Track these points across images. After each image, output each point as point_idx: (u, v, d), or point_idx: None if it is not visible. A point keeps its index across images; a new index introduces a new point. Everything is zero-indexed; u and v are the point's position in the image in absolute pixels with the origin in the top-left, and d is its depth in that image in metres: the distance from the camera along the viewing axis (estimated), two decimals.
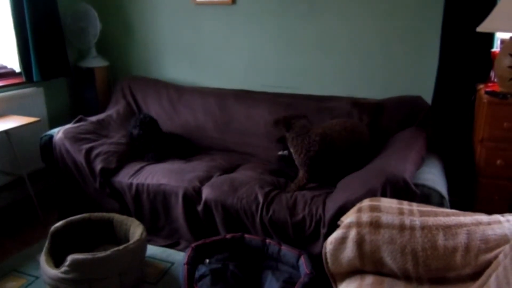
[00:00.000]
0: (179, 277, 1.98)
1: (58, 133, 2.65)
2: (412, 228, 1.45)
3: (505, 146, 2.12)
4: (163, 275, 2.20)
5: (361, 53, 2.79)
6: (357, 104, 2.53)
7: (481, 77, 2.44)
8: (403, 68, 2.71)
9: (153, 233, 2.49)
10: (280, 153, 2.53)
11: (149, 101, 3.16)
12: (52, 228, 2.14)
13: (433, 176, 2.06)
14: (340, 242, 1.55)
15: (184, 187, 2.34)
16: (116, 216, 2.28)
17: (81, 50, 3.38)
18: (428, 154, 2.33)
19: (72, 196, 2.68)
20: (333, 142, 2.23)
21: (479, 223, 1.41)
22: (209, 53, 3.23)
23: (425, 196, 1.92)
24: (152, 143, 2.74)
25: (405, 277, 1.45)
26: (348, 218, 1.58)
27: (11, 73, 3.03)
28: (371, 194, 1.88)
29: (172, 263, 2.29)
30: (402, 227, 1.46)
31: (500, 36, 2.44)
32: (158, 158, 2.70)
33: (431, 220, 1.45)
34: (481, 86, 2.36)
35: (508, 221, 1.41)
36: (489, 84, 2.36)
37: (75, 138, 2.62)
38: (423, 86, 2.63)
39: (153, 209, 2.46)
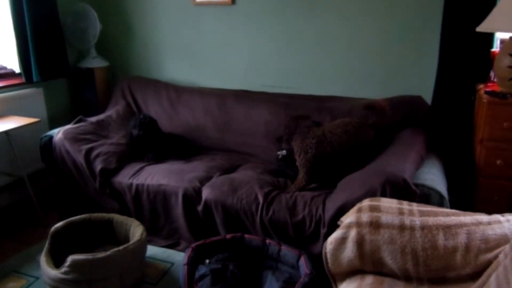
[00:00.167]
0: (179, 278, 1.98)
1: (58, 133, 2.65)
2: (412, 228, 1.45)
3: (505, 146, 2.12)
4: (163, 275, 2.20)
5: (361, 53, 2.79)
6: (370, 106, 2.47)
7: (481, 77, 2.44)
8: (403, 68, 2.71)
9: (153, 234, 2.49)
10: (279, 152, 2.53)
11: (149, 101, 3.16)
12: (52, 228, 2.14)
13: (433, 176, 2.06)
14: (340, 242, 1.55)
15: (184, 188, 2.34)
16: (116, 217, 2.28)
17: (81, 50, 3.38)
18: (428, 154, 2.33)
19: (72, 196, 2.68)
20: (331, 145, 2.22)
21: (479, 223, 1.41)
22: (209, 53, 3.23)
23: (425, 196, 1.92)
24: (152, 143, 2.74)
25: (405, 277, 1.45)
26: (348, 218, 1.58)
27: (11, 74, 3.03)
28: (370, 194, 1.88)
29: (172, 264, 2.29)
30: (402, 227, 1.46)
31: (499, 36, 2.44)
32: (158, 158, 2.70)
33: (431, 220, 1.45)
34: (481, 86, 2.36)
35: (508, 221, 1.41)
36: (489, 84, 2.36)
37: (75, 138, 2.62)
38: (423, 86, 2.64)
39: (153, 210, 2.46)
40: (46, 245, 2.07)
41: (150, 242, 2.42)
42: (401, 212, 1.51)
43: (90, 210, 2.51)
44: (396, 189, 1.87)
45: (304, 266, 1.90)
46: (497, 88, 2.23)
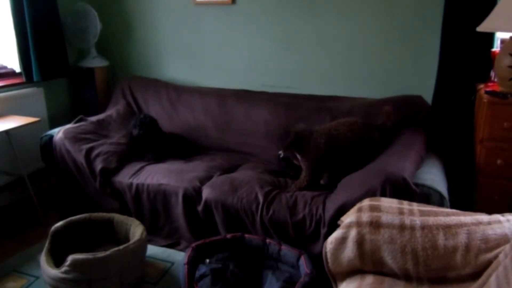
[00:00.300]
0: (180, 277, 1.98)
1: (58, 133, 2.65)
2: (412, 228, 1.45)
3: (505, 146, 2.12)
4: (163, 275, 2.20)
5: (361, 52, 2.79)
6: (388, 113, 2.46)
7: (481, 77, 2.44)
8: (403, 68, 2.71)
9: (153, 233, 2.49)
10: (280, 152, 2.53)
11: (149, 101, 3.16)
12: (53, 228, 2.14)
13: (433, 176, 2.06)
14: (340, 242, 1.55)
15: (184, 187, 2.34)
16: (116, 216, 2.28)
17: (81, 50, 3.38)
18: (428, 154, 2.33)
19: (72, 196, 2.68)
20: (338, 143, 2.22)
21: (479, 223, 1.41)
22: (209, 53, 3.23)
23: (425, 195, 1.92)
24: (152, 143, 2.74)
25: (405, 277, 1.45)
26: (348, 218, 1.58)
27: (11, 73, 3.03)
28: (370, 193, 1.88)
29: (172, 263, 2.29)
30: (402, 227, 1.46)
31: (500, 35, 2.44)
32: (158, 158, 2.70)
33: (431, 220, 1.45)
34: (481, 86, 2.36)
35: (508, 220, 1.41)
36: (489, 84, 2.36)
37: (75, 138, 2.62)
38: (423, 86, 2.63)
39: (153, 209, 2.46)
40: (46, 244, 2.07)
41: (150, 241, 2.42)
42: (401, 212, 1.51)
43: (90, 210, 2.51)
44: (396, 189, 1.87)
45: (304, 265, 1.90)
46: (498, 88, 2.23)
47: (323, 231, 2.02)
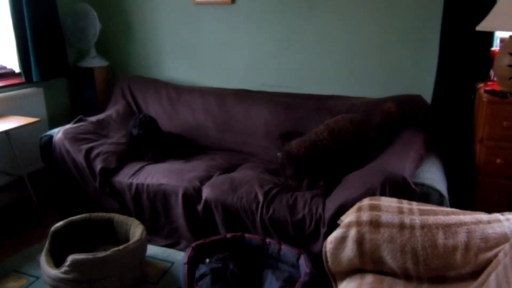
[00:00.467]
0: (180, 277, 1.98)
1: (58, 133, 2.65)
2: (412, 227, 1.45)
3: (505, 145, 2.12)
4: (163, 274, 2.21)
5: (361, 52, 2.79)
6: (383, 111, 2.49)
7: (480, 76, 2.44)
8: (403, 67, 2.71)
9: (153, 233, 2.49)
10: (279, 154, 2.53)
11: (149, 101, 3.16)
12: (52, 228, 2.14)
13: (433, 175, 2.06)
14: (340, 241, 1.55)
15: (184, 187, 2.34)
16: (116, 216, 2.28)
17: (81, 50, 3.38)
18: (428, 153, 2.33)
19: (72, 196, 2.68)
20: (340, 134, 2.24)
21: (479, 222, 1.41)
22: (208, 52, 3.23)
23: (424, 195, 1.93)
24: (152, 143, 2.74)
25: (405, 276, 1.45)
26: (348, 217, 1.58)
27: (10, 74, 3.03)
28: (370, 193, 1.88)
29: (172, 263, 2.29)
30: (402, 226, 1.46)
31: (499, 35, 2.44)
32: (158, 158, 2.70)
33: (431, 219, 1.45)
34: (481, 85, 2.36)
35: (508, 220, 1.41)
36: (489, 83, 2.36)
37: (75, 138, 2.62)
38: (423, 85, 2.64)
39: (153, 209, 2.46)
40: (46, 244, 2.07)
41: (150, 241, 2.42)
42: (401, 211, 1.51)
43: (90, 210, 2.51)
44: (395, 188, 1.87)
45: (304, 265, 1.90)
46: (497, 87, 2.23)
47: (323, 230, 2.02)
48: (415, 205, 1.55)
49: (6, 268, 2.27)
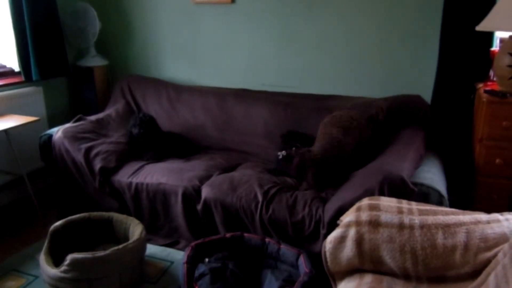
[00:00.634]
0: (179, 276, 1.98)
1: (57, 132, 2.65)
2: (411, 227, 1.45)
3: (504, 145, 2.12)
4: (162, 274, 2.21)
5: (361, 52, 2.79)
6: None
7: (480, 76, 2.44)
8: (402, 67, 2.71)
9: (152, 232, 2.50)
10: (279, 153, 2.53)
11: (149, 100, 3.16)
12: (52, 227, 2.13)
13: (432, 175, 2.06)
14: (339, 241, 1.55)
15: (184, 186, 2.34)
16: (116, 215, 2.28)
17: (81, 49, 3.38)
18: (428, 153, 2.33)
19: (71, 195, 2.68)
20: (351, 126, 2.26)
21: (478, 222, 1.41)
22: (208, 52, 3.23)
23: (424, 195, 1.93)
24: (152, 142, 2.74)
25: (404, 276, 1.46)
26: (348, 217, 1.58)
27: (10, 72, 3.03)
28: (369, 193, 1.88)
29: (172, 262, 2.29)
30: (401, 226, 1.46)
31: (499, 35, 2.44)
32: (158, 157, 2.70)
33: (430, 219, 1.45)
34: (481, 85, 2.36)
35: (507, 220, 1.41)
36: (489, 83, 2.36)
37: (74, 137, 2.62)
38: (422, 85, 2.64)
39: (152, 208, 2.46)
40: (46, 244, 2.06)
41: (149, 241, 2.42)
42: (400, 211, 1.51)
43: (89, 209, 2.51)
44: (393, 188, 1.87)
45: (303, 264, 1.90)
46: (497, 87, 2.23)
47: (322, 232, 2.02)
48: (414, 205, 1.55)
49: (5, 268, 2.26)
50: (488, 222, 1.41)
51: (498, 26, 2.08)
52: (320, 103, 2.74)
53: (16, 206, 3.00)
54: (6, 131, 2.56)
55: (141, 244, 2.06)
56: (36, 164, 2.97)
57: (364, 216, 1.53)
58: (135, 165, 2.59)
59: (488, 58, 2.39)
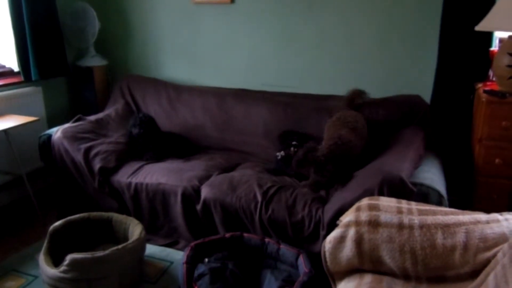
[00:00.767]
0: (178, 276, 1.98)
1: (56, 132, 2.65)
2: (410, 227, 1.45)
3: (504, 145, 2.12)
4: (162, 274, 2.20)
5: (360, 52, 2.79)
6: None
7: (479, 76, 2.44)
8: (402, 67, 2.71)
9: (152, 232, 2.49)
10: (278, 153, 2.54)
11: (148, 100, 3.16)
12: (51, 227, 2.13)
13: (432, 175, 2.06)
14: (339, 241, 1.55)
15: (183, 186, 2.34)
16: (115, 216, 2.28)
17: (80, 49, 3.38)
18: (427, 153, 2.33)
19: (71, 195, 2.68)
20: (356, 127, 2.27)
21: (477, 222, 1.41)
22: (208, 52, 3.23)
23: (423, 195, 1.92)
24: (151, 142, 2.74)
25: (404, 276, 1.46)
26: (347, 217, 1.58)
27: (9, 72, 3.03)
28: (368, 194, 1.87)
29: (171, 262, 2.29)
30: (400, 226, 1.46)
31: (498, 35, 2.44)
32: (157, 157, 2.70)
33: (429, 219, 1.45)
34: (480, 85, 2.36)
35: (506, 219, 1.41)
36: (488, 83, 2.36)
37: (74, 137, 2.62)
38: (422, 85, 2.64)
39: (152, 208, 2.46)
40: (45, 244, 2.06)
41: (149, 241, 2.42)
42: (400, 211, 1.51)
43: (89, 209, 2.51)
44: (393, 188, 1.87)
45: (303, 264, 1.90)
46: (496, 87, 2.23)
47: (322, 233, 2.02)
48: (414, 205, 1.56)
49: (5, 268, 2.26)
50: (488, 222, 1.41)
51: (498, 26, 2.08)
52: (320, 103, 2.74)
53: (15, 206, 3.00)
54: (5, 131, 2.56)
55: (140, 244, 2.06)
56: (35, 164, 2.97)
57: (364, 216, 1.53)
58: (134, 165, 2.59)
59: (487, 58, 2.39)
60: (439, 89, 2.55)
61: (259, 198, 2.16)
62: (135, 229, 2.14)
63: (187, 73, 3.35)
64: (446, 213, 1.48)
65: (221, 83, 3.20)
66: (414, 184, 1.92)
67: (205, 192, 2.28)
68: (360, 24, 2.74)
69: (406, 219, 1.47)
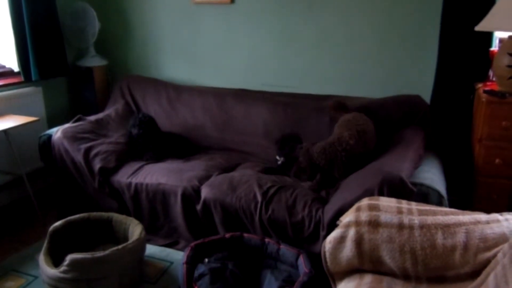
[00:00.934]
0: (178, 276, 1.98)
1: (56, 132, 2.65)
2: (411, 227, 1.45)
3: (504, 145, 2.12)
4: (162, 274, 2.20)
5: (360, 52, 2.79)
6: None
7: (479, 76, 2.44)
8: (402, 67, 2.71)
9: (152, 233, 2.49)
10: (278, 158, 2.54)
11: (148, 101, 3.16)
12: (51, 227, 2.13)
13: (432, 175, 2.06)
14: (339, 241, 1.55)
15: (183, 187, 2.34)
16: (115, 216, 2.28)
17: (80, 49, 3.38)
18: (427, 153, 2.33)
19: (71, 195, 2.68)
20: (359, 132, 2.27)
21: (477, 222, 1.41)
22: (208, 52, 3.23)
23: (423, 195, 1.92)
24: (151, 142, 2.74)
25: (404, 276, 1.46)
26: (347, 217, 1.58)
27: (9, 73, 3.03)
28: (368, 194, 1.87)
29: (171, 263, 2.29)
30: (401, 226, 1.46)
31: (498, 35, 2.44)
32: (157, 157, 2.70)
33: (429, 219, 1.45)
34: (480, 85, 2.36)
35: (506, 220, 1.41)
36: (488, 83, 2.36)
37: (74, 137, 2.62)
38: (422, 85, 2.64)
39: (152, 209, 2.46)
40: (45, 244, 2.06)
41: (149, 241, 2.42)
42: (400, 211, 1.51)
43: (89, 209, 2.51)
44: (393, 188, 1.87)
45: (303, 265, 1.90)
46: (496, 87, 2.23)
47: (322, 233, 2.01)
48: (414, 205, 1.56)
49: (4, 268, 2.26)
50: (488, 222, 1.41)
51: (497, 26, 2.08)
52: (320, 103, 2.73)
53: (15, 206, 3.00)
54: (5, 131, 2.56)
55: (140, 245, 2.06)
56: (35, 164, 2.97)
57: (364, 216, 1.53)
58: (134, 165, 2.59)
59: (487, 58, 2.39)
60: (439, 89, 2.55)
61: (259, 198, 2.16)
62: (135, 229, 2.14)
63: (187, 73, 3.35)
64: (446, 213, 1.48)
65: (221, 83, 3.20)
66: (414, 184, 1.92)
67: (205, 192, 2.28)
68: (360, 24, 2.74)
69: (406, 219, 1.47)
